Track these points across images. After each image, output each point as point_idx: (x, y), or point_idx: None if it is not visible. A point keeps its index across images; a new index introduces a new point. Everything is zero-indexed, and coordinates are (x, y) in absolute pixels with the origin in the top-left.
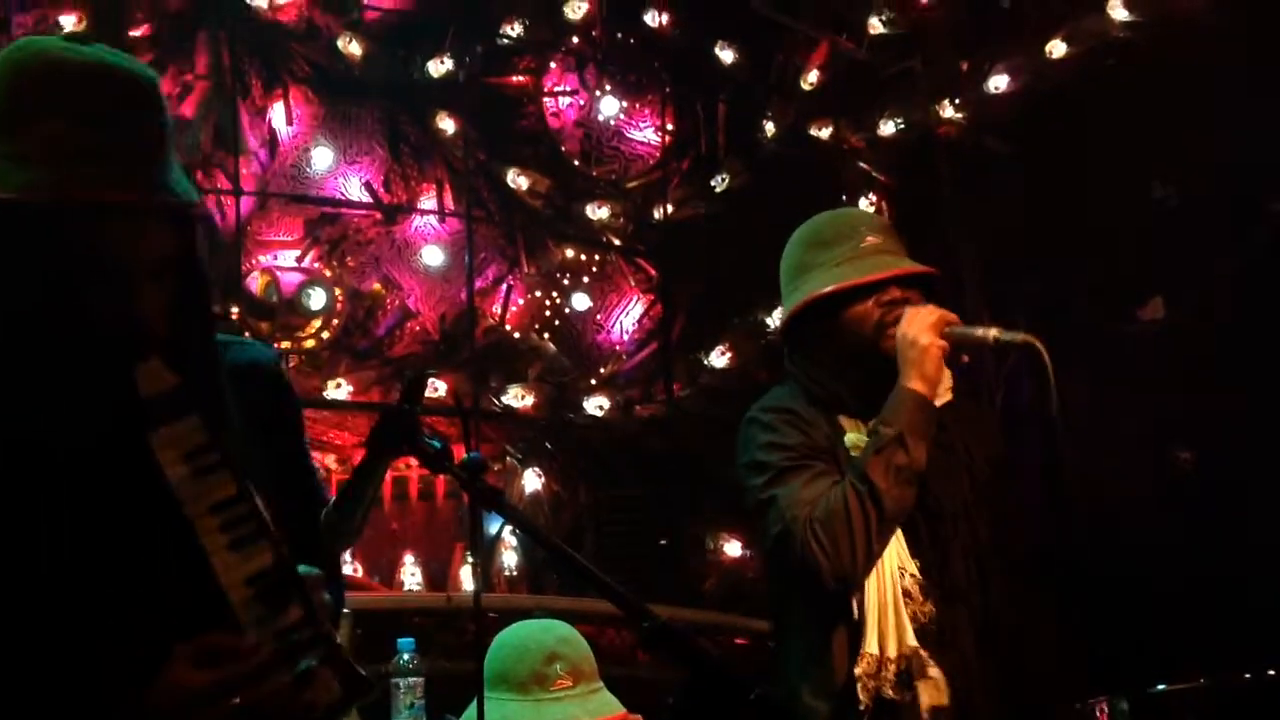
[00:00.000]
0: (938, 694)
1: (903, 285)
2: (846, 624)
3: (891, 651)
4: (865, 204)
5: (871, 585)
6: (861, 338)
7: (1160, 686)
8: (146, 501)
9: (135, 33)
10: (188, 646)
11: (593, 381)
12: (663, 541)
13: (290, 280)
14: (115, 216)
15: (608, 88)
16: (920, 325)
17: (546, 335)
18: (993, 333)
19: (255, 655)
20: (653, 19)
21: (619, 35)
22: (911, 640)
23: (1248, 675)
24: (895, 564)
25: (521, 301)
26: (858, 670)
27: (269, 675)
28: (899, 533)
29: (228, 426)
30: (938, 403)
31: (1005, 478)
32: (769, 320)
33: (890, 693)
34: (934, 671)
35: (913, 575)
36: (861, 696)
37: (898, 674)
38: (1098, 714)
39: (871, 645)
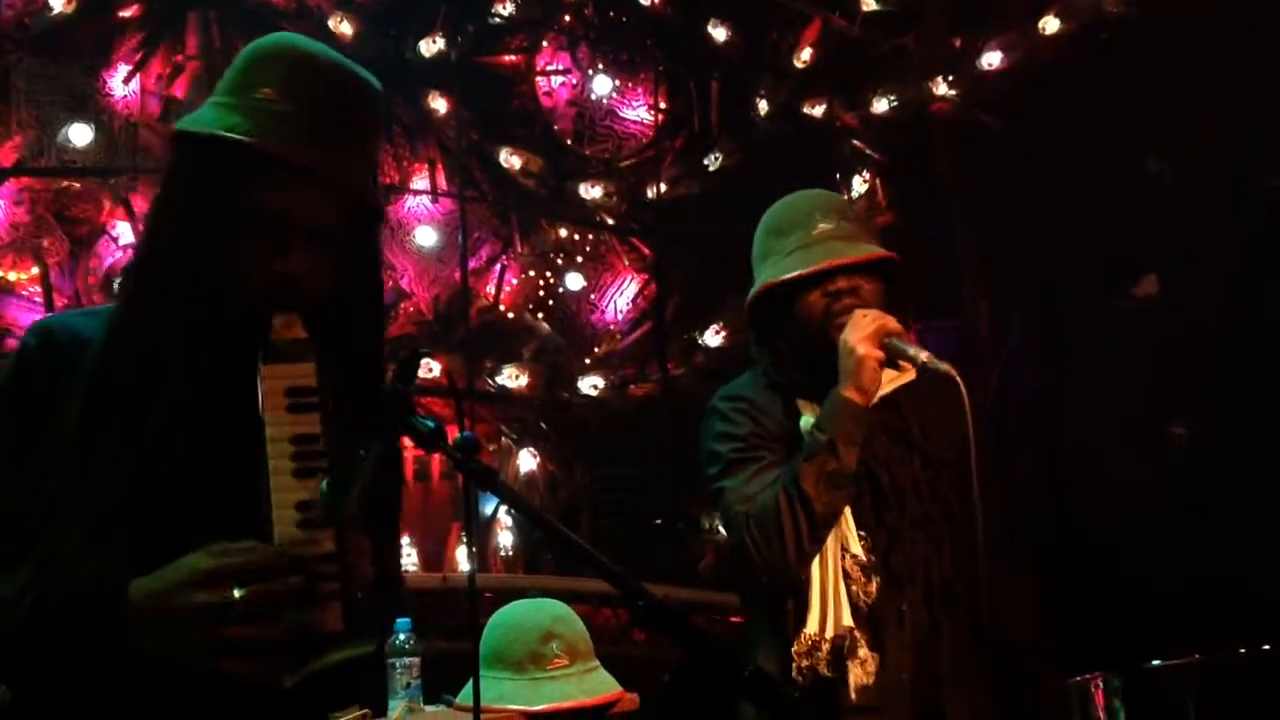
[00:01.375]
0: (863, 674)
1: (850, 273)
2: (793, 605)
3: (829, 632)
4: (859, 181)
5: (815, 567)
6: (811, 326)
7: (1155, 662)
8: (234, 422)
9: (125, 13)
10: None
11: (587, 361)
12: (657, 521)
13: None
14: (283, 170)
15: (600, 66)
16: (860, 334)
17: (541, 315)
18: (922, 356)
19: (269, 561)
20: None
21: (611, 13)
22: (847, 620)
23: (1243, 651)
24: (839, 546)
25: (515, 281)
26: (794, 649)
27: (275, 579)
28: (847, 514)
29: (350, 408)
30: (894, 385)
31: (967, 456)
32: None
33: (825, 670)
34: (864, 651)
35: (854, 556)
36: (795, 675)
37: (830, 653)
38: (1093, 690)
39: (811, 626)
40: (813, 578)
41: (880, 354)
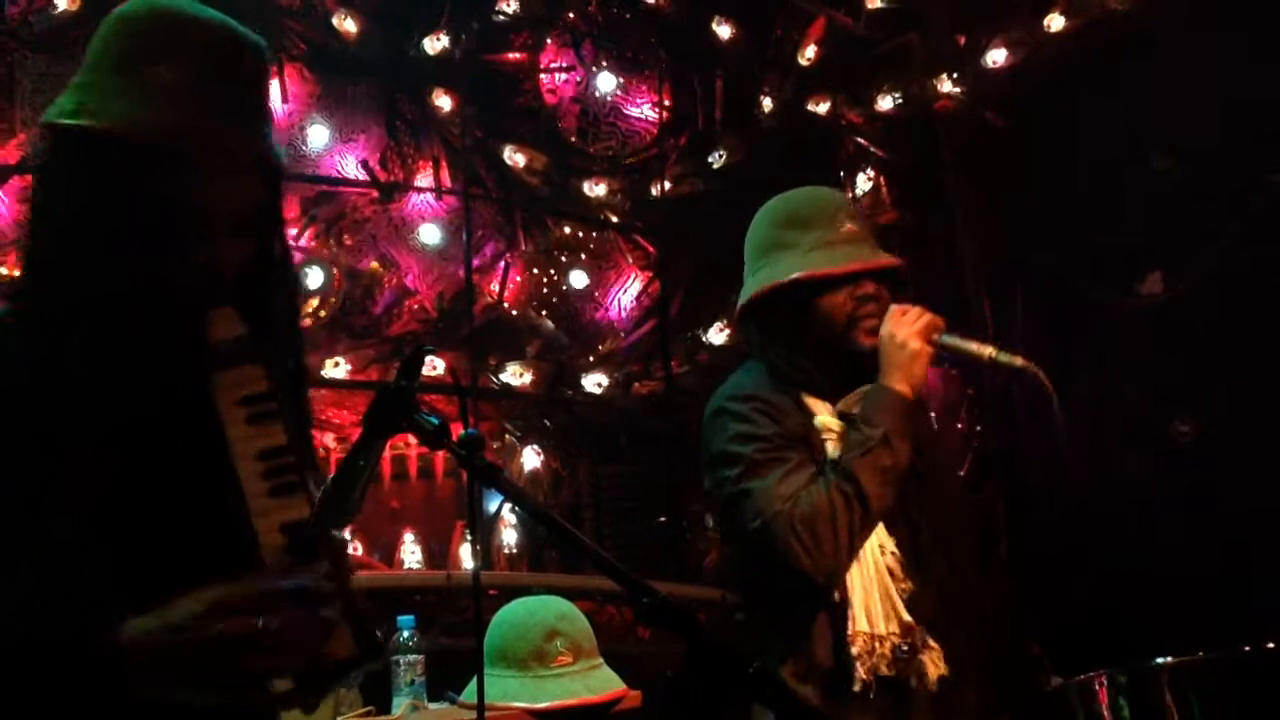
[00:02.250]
0: (939, 663)
1: (874, 279)
2: (828, 607)
3: (882, 629)
4: (863, 179)
5: (854, 566)
6: (832, 327)
7: (1159, 660)
8: (197, 440)
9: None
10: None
11: (591, 359)
12: (661, 518)
13: None
14: (206, 163)
15: (604, 64)
16: (910, 328)
17: (545, 313)
18: (988, 350)
19: (277, 590)
20: None
21: (615, 11)
22: (907, 615)
23: (1248, 649)
24: (876, 543)
25: (519, 279)
26: (854, 650)
27: (286, 608)
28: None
29: (296, 386)
30: None
31: (942, 463)
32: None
33: (886, 669)
34: (933, 642)
35: (893, 553)
36: (862, 675)
37: (894, 649)
38: (1097, 688)
39: (862, 624)
40: (851, 577)
41: (931, 349)
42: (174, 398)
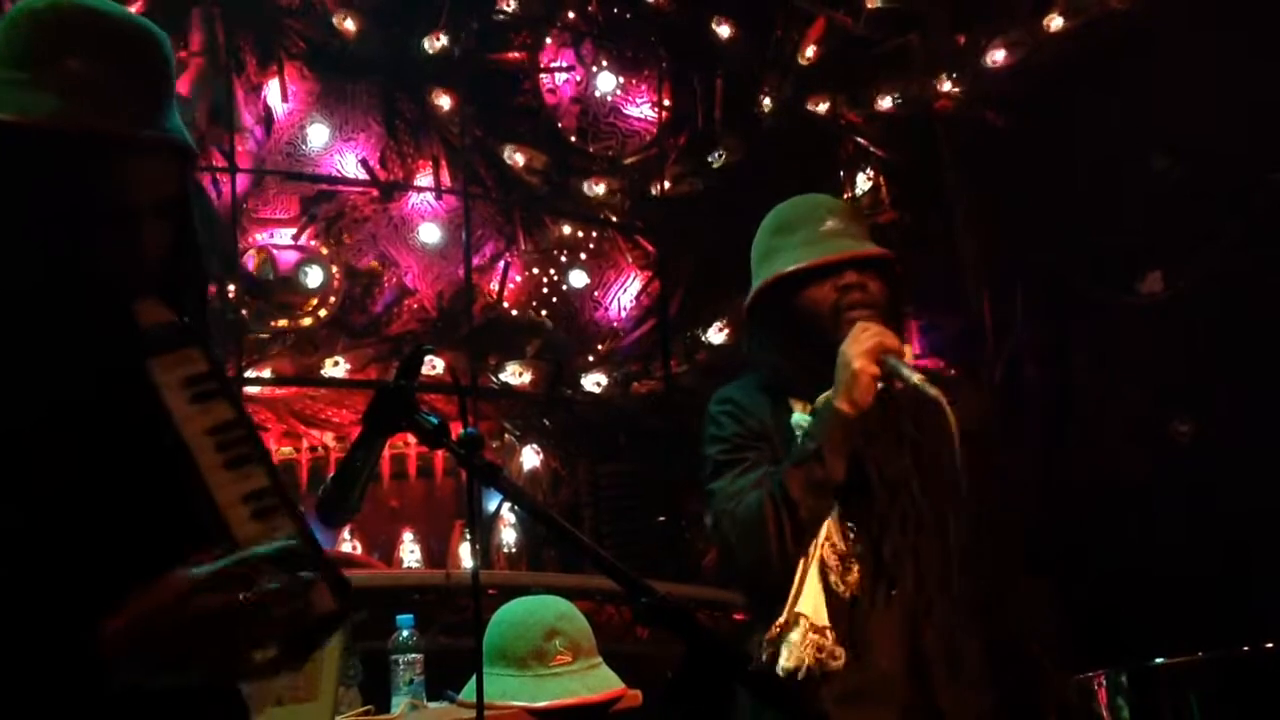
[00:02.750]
0: (832, 661)
1: (859, 268)
2: (779, 598)
3: (797, 620)
4: (863, 179)
5: (801, 560)
6: (818, 319)
7: (1159, 660)
8: (142, 424)
9: (129, 9)
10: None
11: (590, 358)
12: (660, 518)
13: (287, 258)
14: (121, 151)
15: (604, 63)
16: (859, 347)
17: (544, 312)
18: (915, 378)
19: (253, 559)
20: None
21: (615, 10)
22: (802, 607)
23: (1246, 648)
24: (822, 537)
25: (519, 278)
26: (765, 637)
27: (266, 577)
28: (835, 507)
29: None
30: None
31: (964, 454)
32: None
33: (786, 659)
34: (795, 635)
35: (834, 546)
36: (780, 665)
37: (808, 645)
38: (1096, 687)
39: (784, 615)
40: (797, 571)
41: (876, 370)
42: (111, 384)
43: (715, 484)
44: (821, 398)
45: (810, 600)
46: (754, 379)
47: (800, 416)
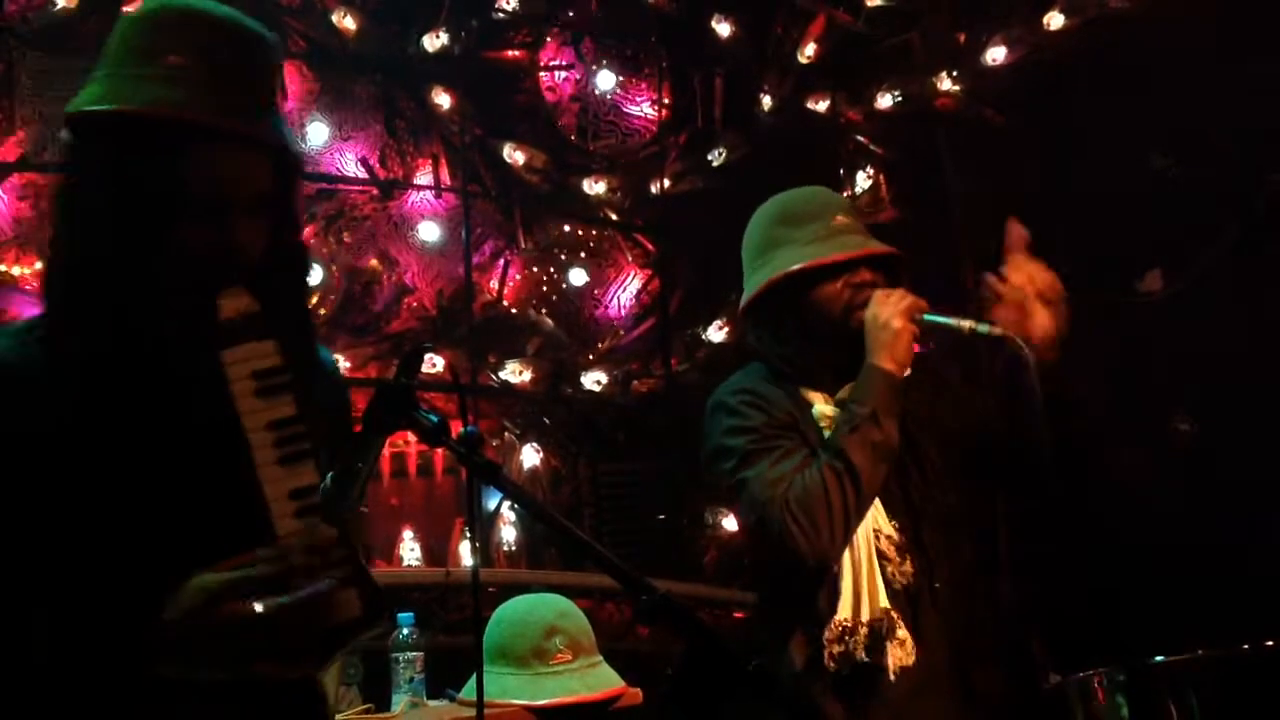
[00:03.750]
0: (904, 654)
1: (871, 267)
2: (825, 591)
3: (865, 615)
4: (862, 177)
5: (845, 552)
6: (829, 316)
7: (1158, 658)
8: (206, 414)
9: (129, 8)
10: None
11: (590, 357)
12: (661, 516)
13: None
14: (210, 141)
15: (604, 62)
16: (892, 309)
17: (544, 311)
18: (967, 323)
19: (283, 561)
20: None
21: (615, 8)
22: (883, 602)
23: (1247, 647)
24: (870, 527)
25: (519, 277)
26: (827, 636)
27: (292, 580)
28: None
29: (306, 364)
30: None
31: (970, 443)
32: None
33: (861, 655)
34: (902, 632)
35: (888, 537)
36: (829, 663)
37: (868, 636)
38: (1095, 686)
39: (844, 611)
40: (844, 563)
41: (915, 329)
42: (181, 373)
43: (748, 472)
44: (854, 382)
45: (882, 594)
46: (760, 370)
47: (822, 408)
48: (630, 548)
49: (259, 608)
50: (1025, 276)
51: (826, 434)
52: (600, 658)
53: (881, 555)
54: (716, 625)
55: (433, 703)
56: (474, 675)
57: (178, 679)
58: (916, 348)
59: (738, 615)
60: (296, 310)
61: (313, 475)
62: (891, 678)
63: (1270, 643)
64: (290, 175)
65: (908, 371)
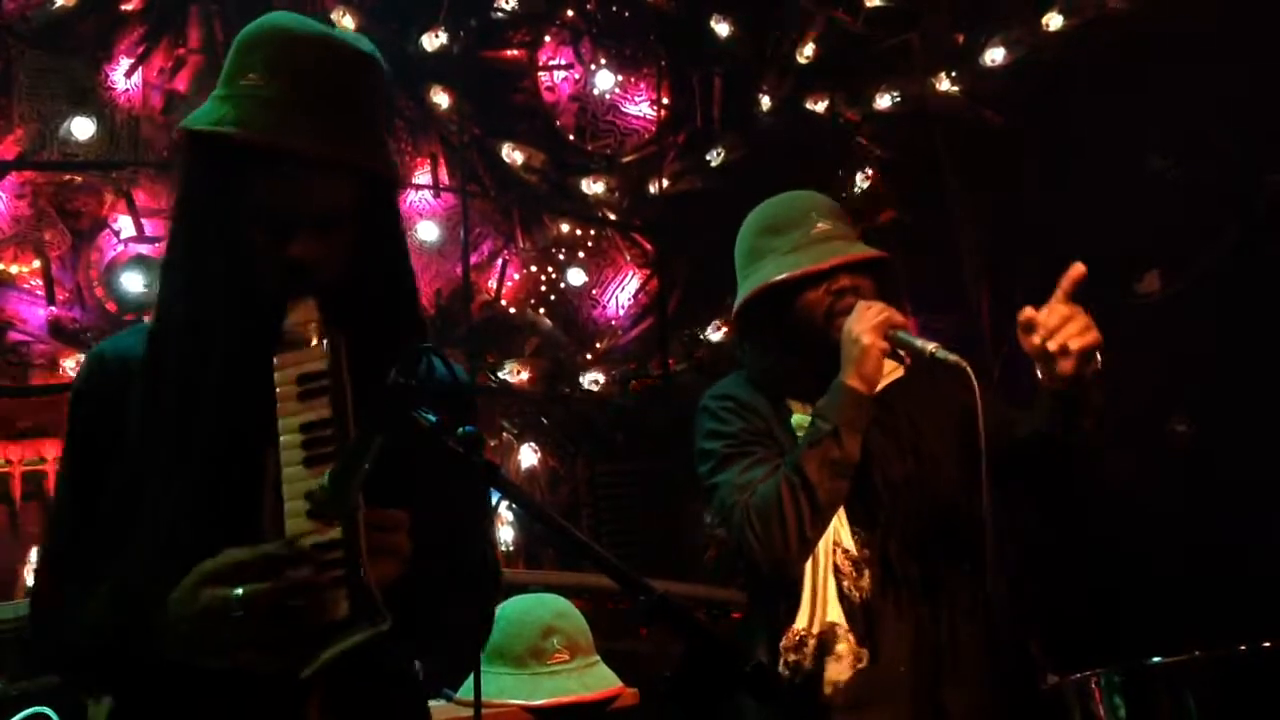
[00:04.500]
0: (840, 669)
1: (852, 272)
2: (785, 600)
3: (815, 627)
4: (861, 178)
5: (808, 562)
6: (812, 324)
7: (1156, 659)
8: (251, 413)
9: (127, 6)
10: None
11: (589, 356)
12: (659, 515)
13: None
14: (284, 161)
15: (603, 61)
16: (865, 324)
17: (542, 310)
18: (930, 347)
19: (273, 556)
20: None
21: (614, 8)
22: (832, 615)
23: (1244, 648)
24: (831, 541)
25: (517, 277)
26: (782, 644)
27: (278, 573)
28: (841, 510)
29: (374, 372)
30: (885, 382)
31: (962, 450)
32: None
33: (809, 665)
34: (842, 647)
35: (845, 551)
36: (782, 669)
37: (815, 648)
38: (1092, 687)
39: (800, 620)
40: (805, 573)
41: (885, 345)
42: (236, 377)
43: (720, 477)
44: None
45: (834, 607)
46: (745, 378)
47: (800, 418)
48: (628, 548)
49: (238, 591)
50: (1058, 319)
51: None
52: (598, 658)
53: (837, 569)
54: (714, 626)
55: (430, 703)
56: (471, 675)
57: (187, 664)
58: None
59: (736, 615)
60: (375, 322)
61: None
62: (826, 689)
63: (1267, 644)
64: (378, 193)
65: (890, 369)
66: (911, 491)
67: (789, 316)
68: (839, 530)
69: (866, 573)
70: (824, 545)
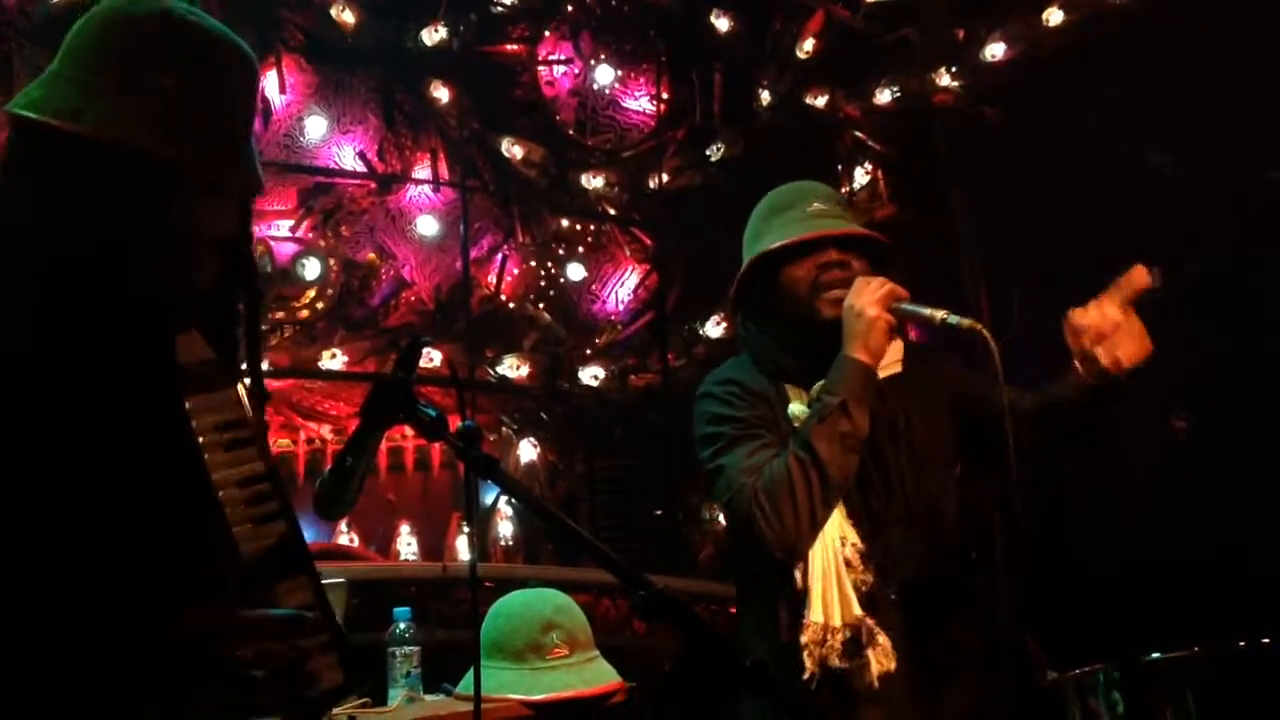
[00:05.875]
0: (887, 660)
1: (842, 248)
2: (791, 593)
3: (836, 620)
4: (861, 173)
5: (815, 555)
6: (796, 297)
7: (1154, 655)
8: (178, 466)
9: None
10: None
11: (588, 351)
12: (657, 511)
13: (284, 250)
14: (202, 186)
15: (602, 56)
16: (868, 297)
17: (542, 305)
18: (940, 314)
19: (263, 622)
20: None
21: (614, 3)
22: (857, 609)
23: (1243, 644)
24: (837, 534)
25: (517, 271)
26: (803, 639)
27: (272, 638)
28: (841, 505)
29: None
30: (881, 375)
31: (954, 446)
32: None
33: (837, 661)
34: (883, 639)
35: (854, 544)
36: (807, 664)
37: (844, 642)
38: (1092, 683)
39: (816, 614)
40: (812, 565)
41: (890, 318)
42: (151, 422)
43: (725, 459)
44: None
45: (853, 601)
46: (747, 361)
47: (798, 408)
48: (627, 543)
49: (249, 655)
50: (1109, 325)
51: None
52: (597, 652)
53: (847, 563)
54: (713, 620)
55: (429, 697)
56: (471, 670)
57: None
58: (906, 335)
59: (734, 610)
60: (248, 335)
61: (282, 534)
62: (875, 683)
63: (1266, 640)
64: (248, 211)
65: (889, 363)
66: (903, 487)
67: (776, 291)
68: (842, 523)
69: (869, 566)
70: (831, 538)
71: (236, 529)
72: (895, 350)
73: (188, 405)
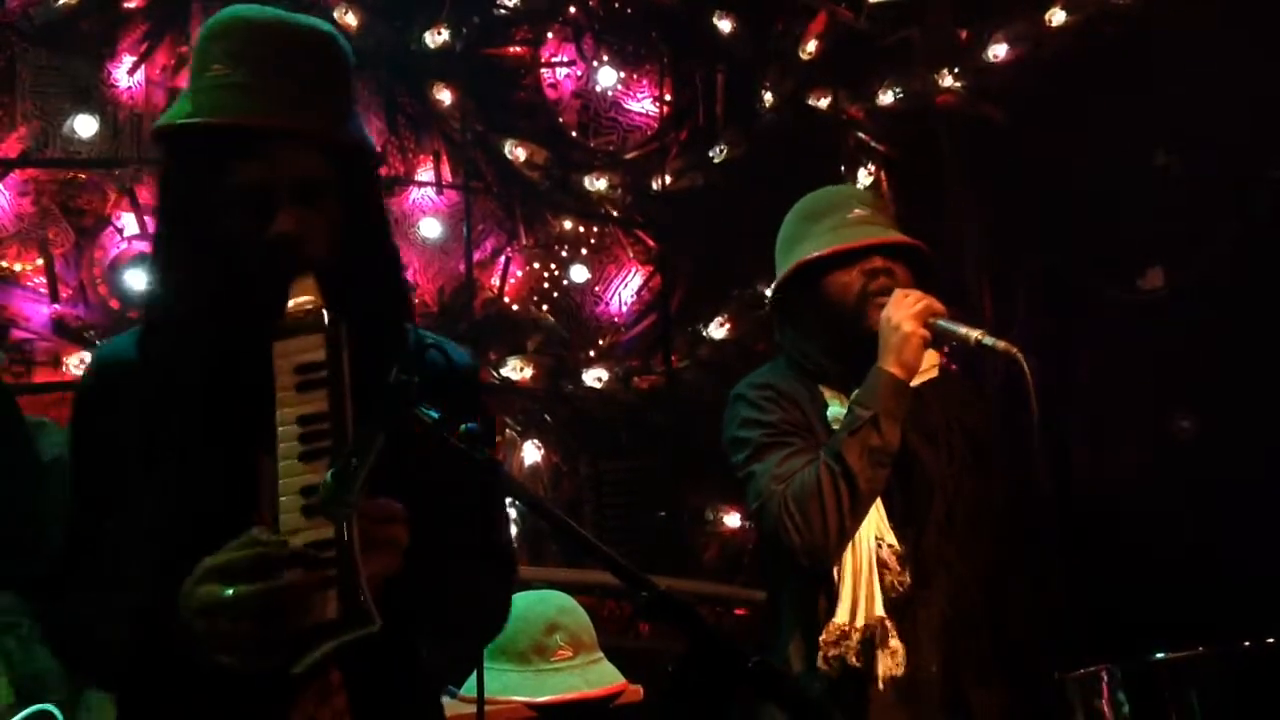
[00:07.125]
0: (893, 664)
1: (887, 255)
2: (825, 594)
3: (860, 621)
4: (864, 174)
5: (848, 556)
6: (843, 305)
7: (1159, 655)
8: (251, 405)
9: (130, 4)
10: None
11: (591, 353)
12: (662, 513)
13: None
14: (254, 137)
15: (605, 58)
16: (905, 311)
17: (545, 307)
18: (975, 334)
19: (264, 555)
20: None
21: (616, 5)
22: (878, 610)
23: (1248, 644)
24: (873, 534)
25: (520, 273)
26: (821, 639)
27: (270, 572)
28: (879, 505)
29: (370, 354)
30: (919, 380)
31: (987, 450)
32: (768, 291)
33: (853, 661)
34: (895, 642)
35: (890, 546)
36: (821, 665)
37: (860, 643)
38: (1096, 682)
39: (841, 615)
40: (845, 567)
41: (925, 333)
42: (228, 370)
43: (757, 465)
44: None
45: (877, 602)
46: (784, 366)
47: (837, 410)
48: (631, 544)
49: (229, 591)
50: None
51: None
52: (601, 654)
53: (882, 564)
54: (717, 622)
55: None
56: (475, 671)
57: (191, 660)
58: (941, 354)
59: (739, 612)
60: (368, 299)
61: (324, 473)
62: (880, 686)
63: (1271, 640)
64: (350, 164)
65: (926, 368)
66: (944, 491)
67: (821, 297)
68: (880, 524)
69: (908, 569)
70: (865, 538)
71: (283, 463)
72: (931, 356)
73: (275, 348)
